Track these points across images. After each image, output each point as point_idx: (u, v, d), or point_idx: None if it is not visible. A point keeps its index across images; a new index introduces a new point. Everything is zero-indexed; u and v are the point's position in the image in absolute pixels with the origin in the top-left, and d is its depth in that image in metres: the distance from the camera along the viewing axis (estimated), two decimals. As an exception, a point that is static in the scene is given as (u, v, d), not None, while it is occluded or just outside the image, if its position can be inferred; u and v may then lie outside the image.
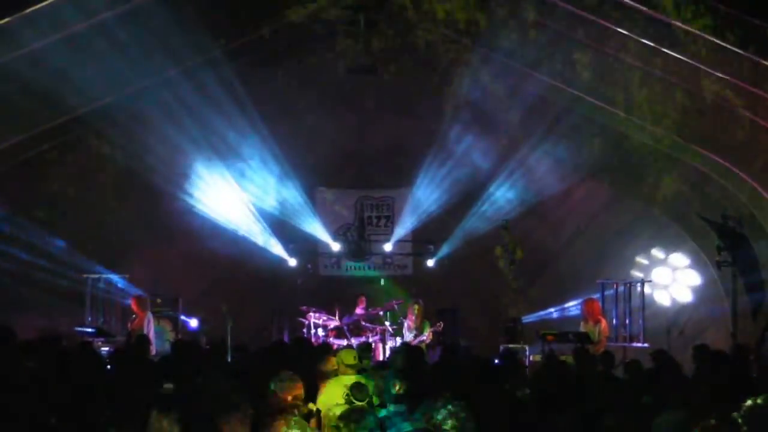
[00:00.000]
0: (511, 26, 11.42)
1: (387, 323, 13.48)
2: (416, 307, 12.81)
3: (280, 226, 15.26)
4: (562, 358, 9.73)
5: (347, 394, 5.93)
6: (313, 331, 13.62)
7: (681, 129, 11.51)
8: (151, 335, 11.93)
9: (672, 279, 13.77)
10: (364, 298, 14.13)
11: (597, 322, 11.68)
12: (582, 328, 11.84)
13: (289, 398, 5.43)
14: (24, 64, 9.54)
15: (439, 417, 5.89)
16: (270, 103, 13.32)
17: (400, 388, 5.67)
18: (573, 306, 13.46)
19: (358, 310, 13.99)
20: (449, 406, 6.00)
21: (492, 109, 13.33)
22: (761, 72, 8.95)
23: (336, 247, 15.69)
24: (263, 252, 15.19)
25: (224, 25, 11.70)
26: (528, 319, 14.12)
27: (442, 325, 12.89)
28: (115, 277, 13.96)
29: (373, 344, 12.85)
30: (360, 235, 15.86)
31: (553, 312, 14.10)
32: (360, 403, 5.76)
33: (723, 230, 12.15)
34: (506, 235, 14.34)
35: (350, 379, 6.51)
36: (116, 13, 9.52)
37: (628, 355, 12.36)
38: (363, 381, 6.26)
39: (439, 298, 14.67)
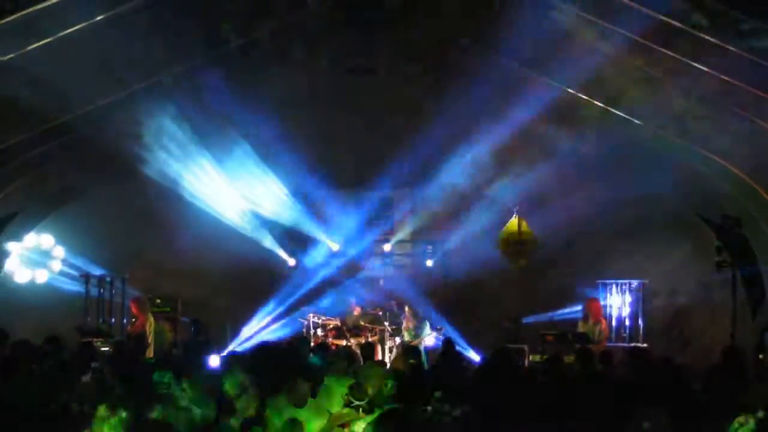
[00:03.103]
0: (508, 26, 11.42)
1: (386, 323, 13.49)
2: (406, 307, 12.85)
3: (280, 226, 15.25)
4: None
5: (346, 395, 5.93)
6: (312, 331, 13.63)
7: (681, 129, 11.50)
8: (152, 338, 11.96)
9: (671, 279, 13.76)
10: (354, 304, 14.15)
11: (597, 322, 11.69)
12: (580, 328, 11.85)
13: None
14: (20, 65, 9.54)
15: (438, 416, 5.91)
16: (269, 104, 13.29)
17: (391, 389, 5.66)
18: (573, 306, 13.43)
19: (355, 313, 14.01)
20: (447, 406, 6.03)
21: (492, 108, 13.32)
22: (760, 72, 8.93)
23: (336, 247, 15.68)
24: (263, 252, 15.19)
25: (224, 25, 11.69)
26: (528, 319, 14.11)
27: (443, 329, 12.89)
28: (115, 278, 13.98)
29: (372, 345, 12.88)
30: (359, 236, 15.86)
31: (553, 312, 14.07)
32: (359, 403, 5.77)
33: (723, 230, 12.15)
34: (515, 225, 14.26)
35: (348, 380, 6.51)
36: (111, 15, 9.49)
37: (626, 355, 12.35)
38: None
39: (439, 299, 14.67)
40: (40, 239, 13.73)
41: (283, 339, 13.15)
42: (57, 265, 13.80)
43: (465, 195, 14.86)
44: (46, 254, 13.76)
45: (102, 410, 4.47)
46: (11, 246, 13.37)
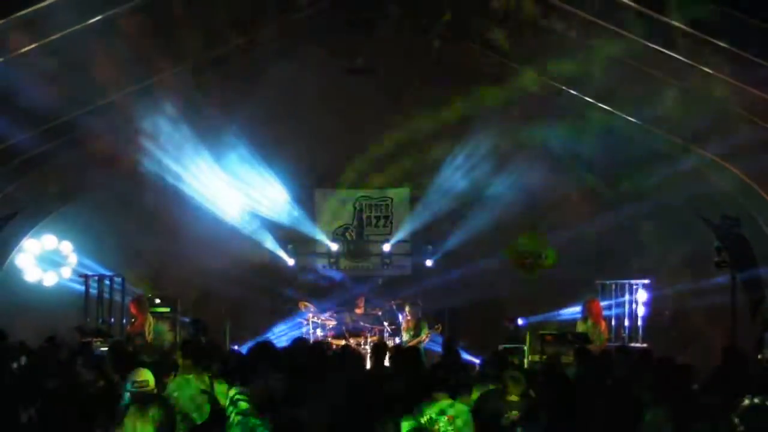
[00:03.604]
0: (505, 23, 11.44)
1: (385, 323, 13.50)
2: (408, 307, 12.85)
3: (280, 226, 15.25)
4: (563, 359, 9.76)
5: None
6: (312, 331, 13.64)
7: (681, 129, 11.51)
8: (151, 338, 11.95)
9: (671, 279, 13.74)
10: (363, 299, 14.14)
11: (597, 323, 11.68)
12: (579, 328, 11.84)
13: None
14: (20, 64, 9.54)
15: (436, 417, 5.92)
16: (269, 103, 13.30)
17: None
18: (573, 306, 13.43)
19: (357, 311, 14.00)
20: (446, 406, 6.03)
21: (490, 108, 13.32)
22: (761, 72, 8.94)
23: (335, 247, 15.68)
24: (263, 252, 15.20)
25: (224, 25, 11.70)
26: (528, 319, 14.10)
27: (440, 328, 12.90)
28: (114, 277, 13.98)
29: (371, 344, 12.88)
30: (359, 236, 15.86)
31: (552, 312, 14.06)
32: None
33: (723, 230, 12.15)
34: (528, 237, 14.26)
35: None
36: (112, 14, 9.50)
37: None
38: None
39: (438, 299, 14.67)
40: (43, 242, 13.96)
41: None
42: (73, 259, 14.17)
43: (465, 194, 14.85)
44: (58, 254, 14.05)
45: (134, 409, 4.47)
46: (22, 257, 13.69)
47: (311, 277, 15.70)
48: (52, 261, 13.97)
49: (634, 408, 6.10)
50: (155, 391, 5.92)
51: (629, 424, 5.91)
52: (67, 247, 14.14)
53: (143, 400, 5.71)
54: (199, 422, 6.04)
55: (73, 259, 14.17)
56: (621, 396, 6.50)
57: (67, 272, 14.05)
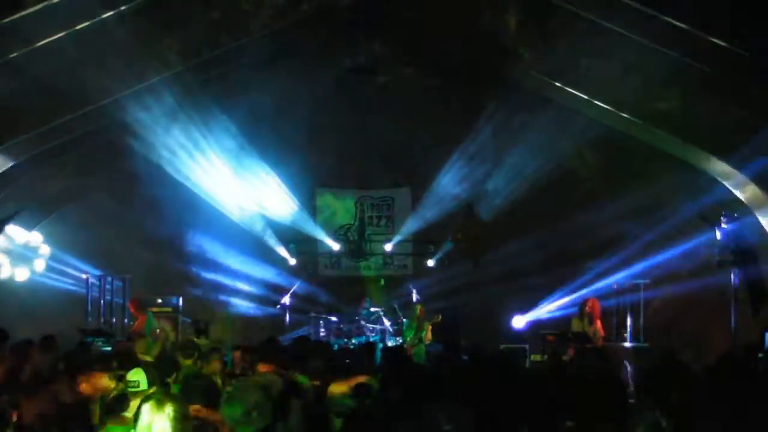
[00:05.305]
0: (506, 24, 11.44)
1: (387, 323, 13.51)
2: (418, 307, 12.86)
3: (281, 225, 15.27)
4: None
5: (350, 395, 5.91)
6: (313, 330, 13.66)
7: (680, 128, 11.50)
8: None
9: (671, 278, 13.74)
10: (366, 298, 14.17)
11: (593, 322, 11.71)
12: (574, 325, 11.86)
13: None
14: (26, 61, 9.54)
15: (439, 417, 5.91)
16: (270, 103, 13.32)
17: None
18: (573, 306, 13.44)
19: (361, 310, 14.02)
20: (449, 407, 6.02)
21: (491, 107, 13.34)
22: (758, 71, 8.94)
23: (336, 246, 15.70)
24: (263, 251, 15.21)
25: (225, 24, 11.71)
26: (530, 319, 14.11)
27: (440, 317, 12.90)
28: (115, 278, 13.99)
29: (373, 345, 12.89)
30: (360, 235, 15.88)
31: (553, 312, 14.08)
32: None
33: (723, 230, 12.14)
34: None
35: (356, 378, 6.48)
36: (113, 14, 9.50)
37: (627, 354, 12.36)
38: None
39: (440, 298, 14.68)
40: (29, 236, 13.29)
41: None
42: (41, 265, 13.41)
43: (465, 194, 14.86)
44: (34, 252, 13.34)
45: (152, 404, 4.38)
46: None
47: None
48: (25, 256, 13.19)
49: (631, 407, 6.11)
50: (148, 391, 5.81)
51: (627, 424, 5.91)
52: (45, 250, 13.38)
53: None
54: None
55: (40, 265, 13.31)
56: (618, 395, 6.50)
57: (23, 273, 13.02)
